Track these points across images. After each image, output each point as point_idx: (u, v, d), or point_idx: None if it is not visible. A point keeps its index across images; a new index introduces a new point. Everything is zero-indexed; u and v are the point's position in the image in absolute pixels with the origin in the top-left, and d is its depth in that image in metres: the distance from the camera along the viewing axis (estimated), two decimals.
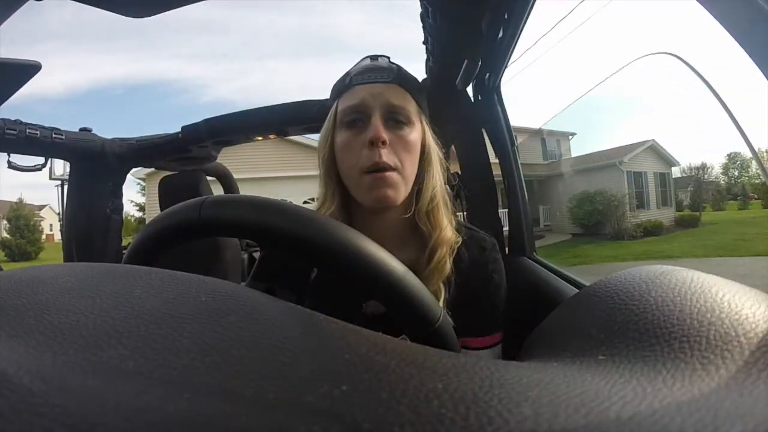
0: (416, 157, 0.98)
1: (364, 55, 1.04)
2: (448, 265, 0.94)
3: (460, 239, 0.98)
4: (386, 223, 1.00)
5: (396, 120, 0.95)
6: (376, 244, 0.56)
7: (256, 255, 2.61)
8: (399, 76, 0.98)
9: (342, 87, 1.00)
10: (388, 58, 1.05)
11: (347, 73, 1.01)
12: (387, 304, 0.59)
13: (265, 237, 0.57)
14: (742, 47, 0.55)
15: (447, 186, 1.07)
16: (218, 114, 2.21)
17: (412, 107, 0.98)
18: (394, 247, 0.82)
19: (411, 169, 0.96)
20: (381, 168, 0.91)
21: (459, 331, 0.77)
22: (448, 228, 0.97)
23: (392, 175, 0.92)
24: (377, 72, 0.98)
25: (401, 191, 0.94)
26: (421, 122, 1.01)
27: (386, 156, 0.91)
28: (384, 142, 0.91)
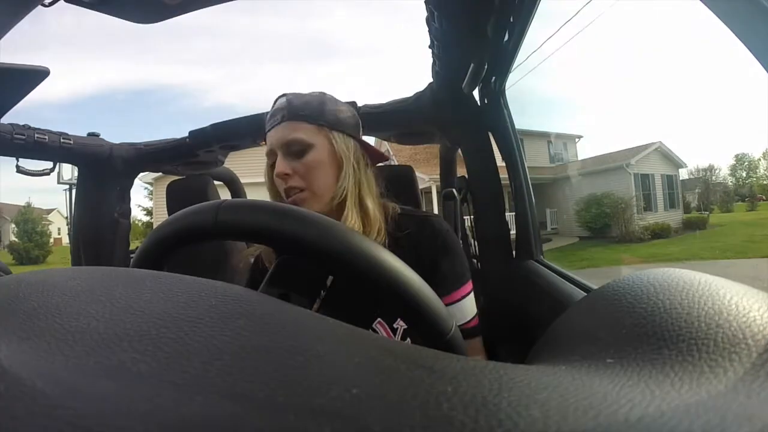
0: (327, 170, 1.13)
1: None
2: None
3: (403, 233, 1.14)
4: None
5: (293, 152, 1.10)
6: (393, 254, 0.57)
7: None
8: (289, 112, 1.12)
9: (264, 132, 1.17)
10: (286, 95, 1.18)
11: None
12: (402, 314, 0.59)
13: (283, 243, 0.57)
14: (746, 46, 0.55)
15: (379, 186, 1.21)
16: (220, 118, 2.23)
17: (306, 133, 1.11)
18: None
19: (322, 183, 1.12)
20: (291, 192, 1.10)
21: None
22: (349, 217, 1.09)
23: (301, 195, 1.10)
24: (274, 116, 1.14)
25: (315, 203, 1.11)
26: (327, 136, 1.13)
27: (292, 181, 1.10)
28: (288, 175, 1.09)
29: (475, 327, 1.16)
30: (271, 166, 1.14)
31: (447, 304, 1.02)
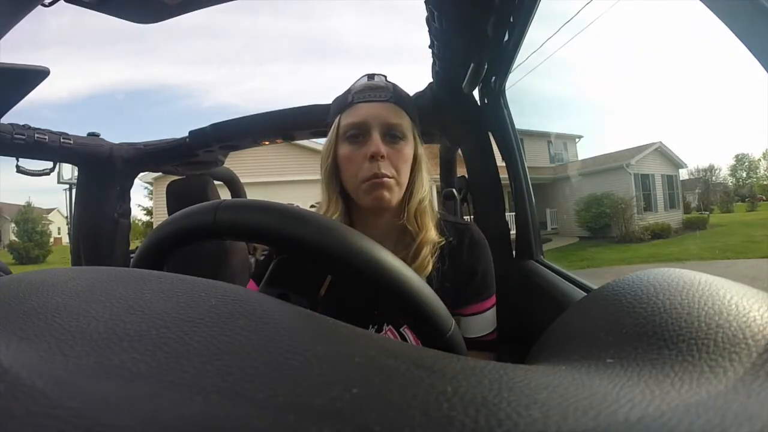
0: (409, 167, 1.11)
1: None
2: (431, 264, 1.08)
3: (443, 240, 1.12)
4: (382, 225, 1.14)
5: (393, 135, 1.08)
6: (392, 254, 0.56)
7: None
8: (395, 95, 1.11)
9: (344, 104, 1.12)
10: (385, 76, 1.17)
11: (348, 91, 1.13)
12: (400, 314, 0.59)
13: (281, 243, 0.57)
14: (746, 45, 0.55)
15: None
16: (219, 118, 2.24)
17: (406, 123, 1.10)
18: (389, 248, 0.95)
19: (405, 177, 1.10)
20: (380, 177, 1.04)
21: (459, 303, 1.12)
22: (432, 230, 1.11)
23: (389, 181, 1.05)
24: (376, 91, 1.10)
25: (395, 194, 1.08)
26: (414, 136, 1.14)
27: (384, 167, 1.05)
28: (383, 156, 1.04)
29: (494, 341, 1.16)
30: (350, 140, 1.09)
31: (475, 313, 1.15)
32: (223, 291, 0.32)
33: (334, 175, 1.12)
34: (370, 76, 1.17)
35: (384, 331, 1.08)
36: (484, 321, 1.14)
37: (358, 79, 1.17)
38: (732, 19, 0.57)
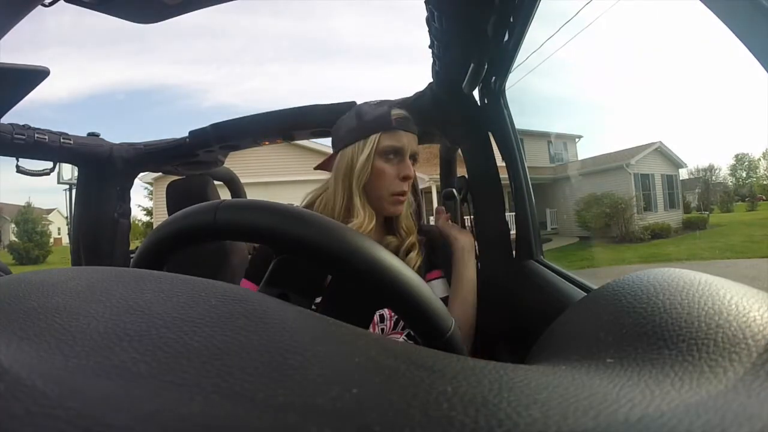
0: None
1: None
2: (420, 260, 1.34)
3: (422, 239, 1.42)
4: (377, 226, 1.35)
5: (414, 160, 1.35)
6: (391, 254, 0.57)
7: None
8: (415, 128, 1.36)
9: (385, 125, 1.31)
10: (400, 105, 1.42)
11: (388, 114, 1.31)
12: (400, 313, 0.59)
13: (281, 243, 0.57)
14: (746, 45, 0.55)
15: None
16: (219, 118, 2.23)
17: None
18: (386, 243, 1.40)
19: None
20: (402, 195, 1.32)
21: (426, 272, 1.41)
22: (415, 233, 1.39)
23: (404, 198, 1.33)
24: (409, 122, 1.34)
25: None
26: None
27: (407, 188, 1.32)
28: (412, 178, 1.32)
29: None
30: (385, 158, 1.30)
31: (434, 279, 1.43)
32: (223, 291, 0.32)
33: (365, 185, 1.31)
34: (398, 106, 1.38)
35: None
36: (440, 286, 1.43)
37: (392, 105, 1.36)
38: (732, 19, 0.57)
